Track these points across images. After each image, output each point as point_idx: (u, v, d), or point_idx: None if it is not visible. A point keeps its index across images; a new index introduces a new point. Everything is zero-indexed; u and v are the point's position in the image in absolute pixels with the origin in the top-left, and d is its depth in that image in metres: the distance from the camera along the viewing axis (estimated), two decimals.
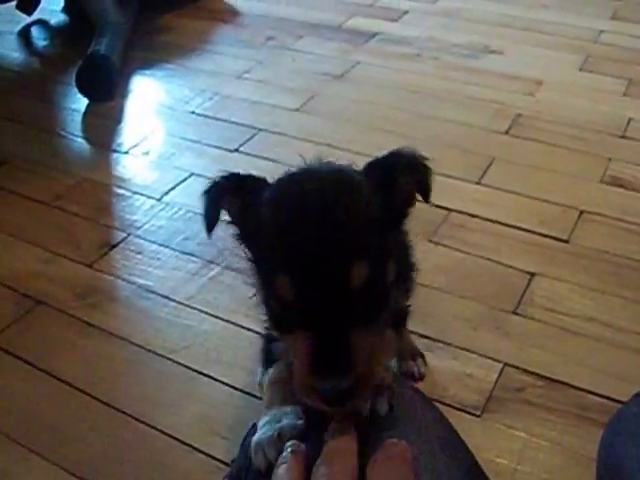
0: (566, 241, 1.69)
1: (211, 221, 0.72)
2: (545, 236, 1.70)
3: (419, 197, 0.73)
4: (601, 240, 1.69)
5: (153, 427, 1.30)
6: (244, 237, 0.74)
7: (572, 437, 1.25)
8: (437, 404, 1.20)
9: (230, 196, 0.72)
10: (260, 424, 0.68)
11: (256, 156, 2.05)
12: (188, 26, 2.96)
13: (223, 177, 0.73)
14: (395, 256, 0.71)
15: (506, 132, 2.14)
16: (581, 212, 1.78)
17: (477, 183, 1.89)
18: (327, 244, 0.63)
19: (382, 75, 2.50)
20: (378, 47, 2.71)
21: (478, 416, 1.29)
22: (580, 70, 2.52)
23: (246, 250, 0.74)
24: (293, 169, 0.73)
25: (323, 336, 0.62)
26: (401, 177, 0.71)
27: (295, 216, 0.65)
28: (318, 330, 0.62)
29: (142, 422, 1.31)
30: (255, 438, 0.66)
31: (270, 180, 0.73)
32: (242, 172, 0.74)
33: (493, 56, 2.61)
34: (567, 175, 1.93)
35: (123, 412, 1.33)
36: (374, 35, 2.80)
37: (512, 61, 2.58)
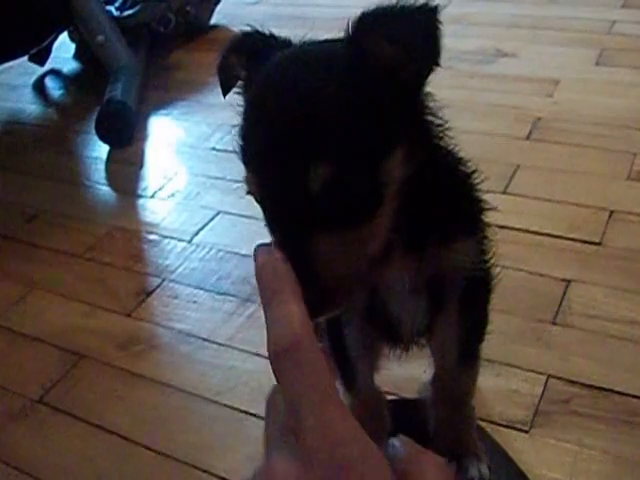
0: (598, 243, 1.67)
1: (221, 81, 0.69)
2: (577, 241, 1.68)
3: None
4: (633, 239, 1.67)
5: (207, 471, 1.30)
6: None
7: (623, 445, 1.24)
8: (485, 423, 1.21)
9: (236, 57, 0.67)
10: None
11: None
12: (199, 60, 2.97)
13: (240, 34, 0.68)
14: (409, 146, 0.62)
15: (527, 137, 2.12)
16: (611, 212, 1.76)
17: (503, 193, 1.87)
18: (284, 140, 0.55)
19: None
20: None
21: (526, 432, 1.28)
22: (596, 64, 2.47)
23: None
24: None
25: (283, 244, 0.52)
26: (369, 41, 0.60)
27: (261, 107, 0.59)
28: (280, 236, 0.56)
29: (196, 467, 1.32)
30: None
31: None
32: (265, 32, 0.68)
33: (506, 59, 2.58)
34: (593, 175, 1.91)
35: (176, 459, 1.34)
36: None
37: (526, 63, 2.55)
